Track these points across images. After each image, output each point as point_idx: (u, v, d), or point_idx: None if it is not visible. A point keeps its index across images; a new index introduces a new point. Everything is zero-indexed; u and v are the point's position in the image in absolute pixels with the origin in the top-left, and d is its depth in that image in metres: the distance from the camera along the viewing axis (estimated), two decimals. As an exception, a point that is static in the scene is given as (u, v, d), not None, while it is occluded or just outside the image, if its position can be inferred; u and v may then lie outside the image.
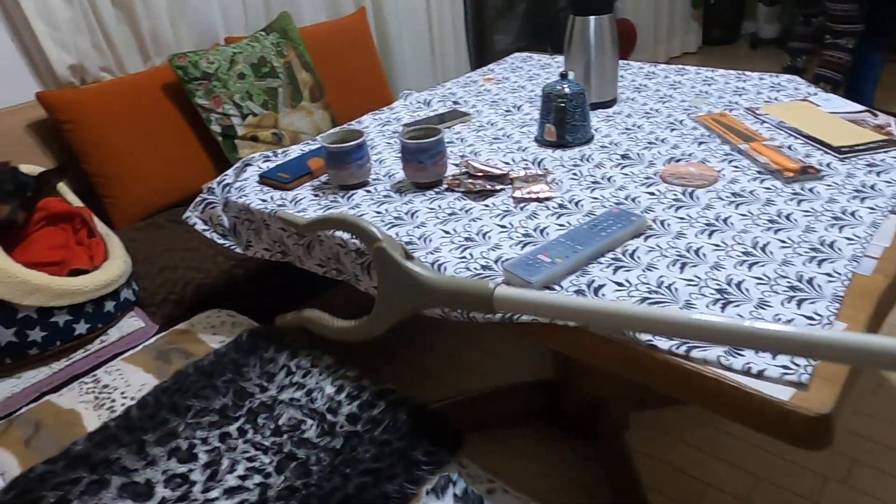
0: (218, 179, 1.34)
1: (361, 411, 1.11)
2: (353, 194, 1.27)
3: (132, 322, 1.49)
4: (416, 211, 1.17)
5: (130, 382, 1.27)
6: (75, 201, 1.65)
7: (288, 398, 1.16)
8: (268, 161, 1.46)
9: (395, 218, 1.16)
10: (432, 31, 3.00)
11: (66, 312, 1.36)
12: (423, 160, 1.21)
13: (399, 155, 1.42)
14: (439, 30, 3.01)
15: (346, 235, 1.12)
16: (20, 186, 1.46)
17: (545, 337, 0.89)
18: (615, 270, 0.94)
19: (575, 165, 1.28)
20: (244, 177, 1.39)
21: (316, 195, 1.28)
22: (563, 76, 1.34)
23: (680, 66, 1.81)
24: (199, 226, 1.33)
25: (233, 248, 1.32)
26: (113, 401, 1.23)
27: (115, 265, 1.46)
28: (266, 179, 1.34)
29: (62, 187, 1.64)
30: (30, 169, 1.56)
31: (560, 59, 2.03)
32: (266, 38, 2.16)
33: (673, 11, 4.45)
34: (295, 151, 1.50)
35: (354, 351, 2.00)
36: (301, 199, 1.27)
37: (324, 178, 1.36)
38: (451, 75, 3.12)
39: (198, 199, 1.32)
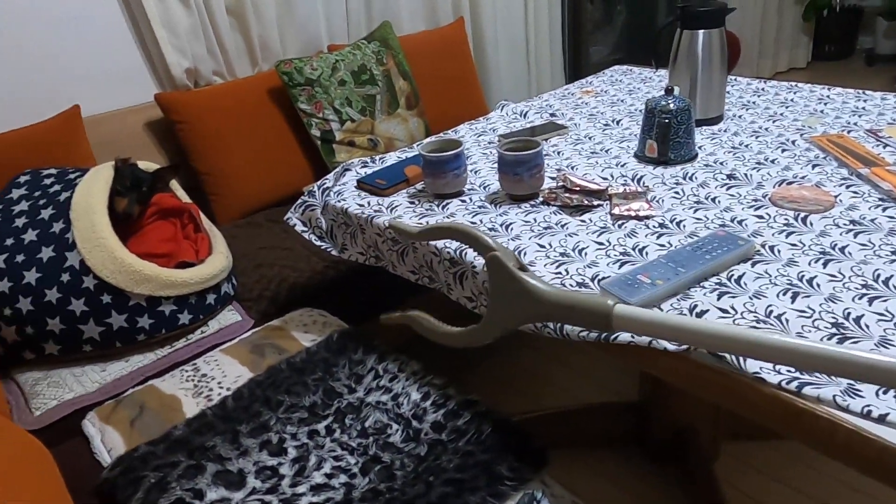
0: (318, 183, 1.38)
1: (446, 420, 1.11)
2: (448, 203, 1.28)
3: (230, 315, 1.56)
4: (510, 223, 1.17)
5: (227, 373, 1.33)
6: (184, 197, 1.75)
7: (375, 401, 1.17)
8: (366, 167, 1.49)
9: (490, 229, 1.16)
10: (529, 42, 2.99)
11: (172, 303, 1.43)
12: (520, 172, 1.21)
13: (495, 166, 1.42)
14: (536, 40, 3.00)
15: (440, 244, 1.12)
16: (137, 182, 1.56)
17: (643, 359, 0.86)
18: (719, 296, 0.90)
19: (677, 184, 1.24)
20: (343, 181, 1.43)
21: (412, 202, 1.30)
22: (669, 91, 1.30)
23: (792, 83, 1.72)
24: (299, 227, 1.38)
25: (329, 250, 1.36)
26: (210, 389, 1.29)
27: (218, 260, 1.54)
28: (363, 185, 1.37)
29: (174, 184, 1.74)
30: (146, 165, 1.66)
31: (662, 72, 1.98)
32: (367, 46, 2.21)
33: (781, 24, 4.25)
34: (392, 158, 1.53)
35: (439, 358, 2.02)
36: (397, 206, 1.29)
37: (420, 185, 1.37)
38: (546, 87, 3.10)
39: (299, 201, 1.37)
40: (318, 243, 1.36)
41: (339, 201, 1.33)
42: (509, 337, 2.14)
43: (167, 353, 1.45)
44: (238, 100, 2.05)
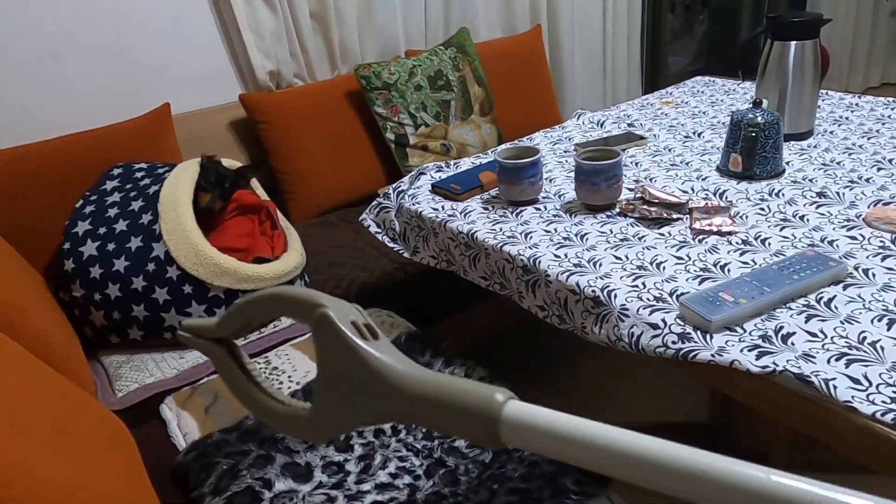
0: (394, 186, 1.40)
1: (512, 428, 1.10)
2: (522, 210, 1.27)
3: (301, 311, 1.60)
4: (586, 233, 1.15)
5: (297, 367, 1.36)
6: (263, 195, 1.80)
7: (440, 404, 1.18)
8: (440, 171, 1.51)
9: (564, 238, 1.14)
10: (606, 51, 2.95)
11: (248, 296, 1.48)
12: (598, 182, 1.19)
13: (570, 174, 1.40)
14: (613, 49, 2.95)
15: (513, 251, 1.12)
16: (220, 178, 1.62)
17: (723, 380, 0.83)
18: (807, 319, 0.86)
19: (762, 200, 1.19)
20: (418, 184, 1.45)
21: (485, 208, 1.30)
22: (757, 104, 1.26)
23: (889, 99, 1.63)
24: (373, 228, 1.40)
25: (401, 252, 1.38)
26: (280, 383, 1.32)
27: (293, 257, 1.58)
28: (438, 189, 1.38)
29: (254, 182, 1.80)
30: (229, 163, 1.72)
31: (747, 84, 1.91)
32: (444, 52, 2.23)
33: (875, 36, 4.04)
34: (466, 164, 1.54)
35: (505, 364, 2.01)
36: (470, 211, 1.29)
37: (494, 191, 1.37)
38: (622, 97, 3.05)
39: (374, 202, 1.40)
40: (391, 245, 1.38)
41: (413, 204, 1.35)
42: (571, 344, 2.11)
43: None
44: (317, 102, 2.11)
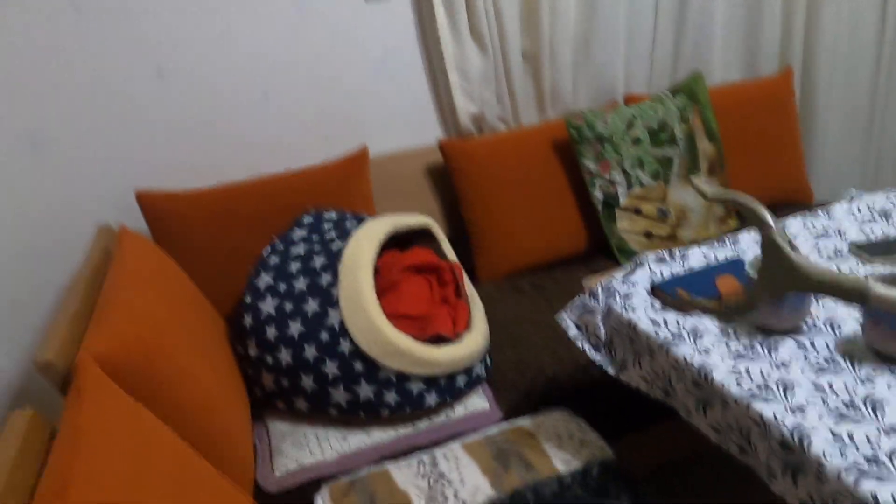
0: (604, 282, 1.15)
1: None
2: (777, 343, 0.95)
3: (478, 401, 1.40)
4: (881, 401, 0.81)
5: (465, 480, 1.16)
6: (450, 254, 1.63)
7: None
8: (662, 263, 1.22)
9: (846, 405, 0.81)
10: (876, 105, 2.40)
11: (421, 381, 1.31)
12: (905, 328, 0.84)
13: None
14: (886, 104, 2.40)
15: (767, 411, 0.82)
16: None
17: None
18: None
19: None
20: (632, 279, 1.18)
21: (724, 332, 1.00)
22: None
23: None
24: (572, 331, 1.16)
25: (603, 366, 1.12)
26: (445, 498, 1.13)
27: (475, 340, 1.38)
28: (660, 293, 1.10)
29: (439, 235, 1.64)
30: (419, 219, 1.58)
31: None
32: (671, 100, 1.92)
33: None
34: (697, 256, 1.23)
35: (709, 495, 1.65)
36: (702, 334, 1.00)
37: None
38: None
39: (576, 300, 1.15)
40: (593, 356, 1.12)
41: (626, 310, 1.08)
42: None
43: (408, 433, 1.34)
44: (519, 150, 1.91)
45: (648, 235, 1.86)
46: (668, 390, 1.01)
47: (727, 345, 0.97)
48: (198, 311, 1.39)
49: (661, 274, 1.18)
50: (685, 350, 0.96)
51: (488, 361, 1.47)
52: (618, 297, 1.12)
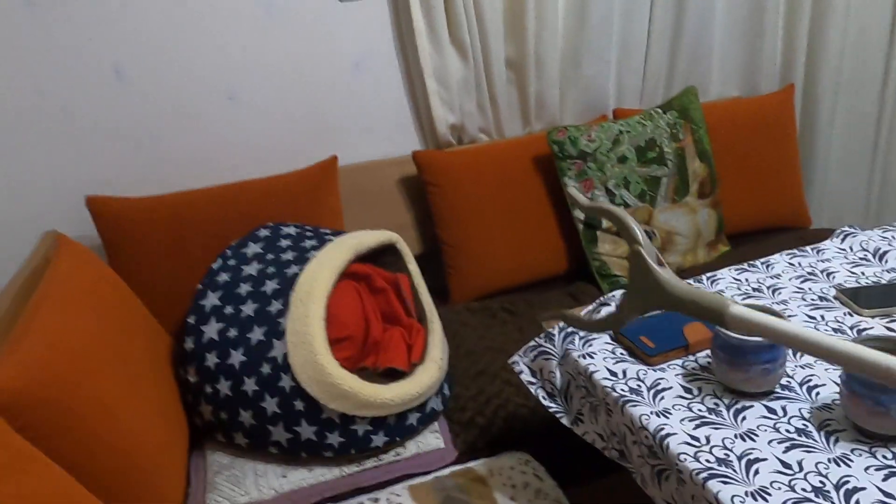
0: (561, 326, 1.04)
1: None
2: (745, 408, 0.85)
3: (431, 438, 1.30)
4: (859, 490, 0.70)
5: (406, 531, 1.06)
6: (414, 268, 1.52)
7: None
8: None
9: (817, 489, 0.71)
10: (881, 131, 2.28)
11: (367, 423, 1.21)
12: (889, 404, 0.73)
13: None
14: (892, 129, 2.27)
15: (725, 494, 0.71)
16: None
17: None
18: None
19: None
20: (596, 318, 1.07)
21: (687, 390, 0.89)
22: None
23: None
24: (525, 376, 1.05)
25: (558, 415, 1.01)
26: (382, 550, 1.03)
27: (429, 374, 1.28)
28: (623, 339, 1.00)
29: (403, 248, 1.53)
30: (383, 235, 1.47)
31: None
32: (661, 116, 1.81)
33: None
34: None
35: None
36: (663, 389, 0.90)
37: (702, 357, 0.96)
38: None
39: (531, 343, 1.05)
40: (546, 404, 1.02)
41: (584, 356, 0.98)
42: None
43: (353, 472, 1.24)
44: (499, 164, 1.81)
45: (631, 260, 1.75)
46: (625, 451, 0.91)
47: (690, 405, 0.86)
48: (136, 330, 1.30)
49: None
50: (643, 410, 0.86)
51: (446, 392, 1.37)
52: (577, 341, 1.02)
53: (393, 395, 1.20)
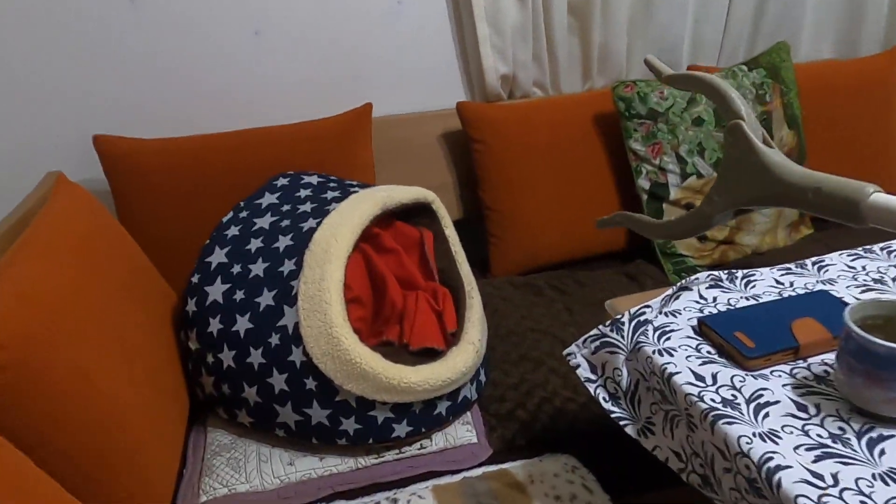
0: (634, 310, 0.84)
1: None
2: (882, 437, 0.64)
3: (462, 432, 1.12)
4: None
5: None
6: (451, 232, 1.32)
7: None
8: (717, 288, 0.90)
9: None
10: None
11: (388, 409, 1.04)
12: None
13: None
14: None
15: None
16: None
17: None
18: None
19: None
20: (674, 306, 0.87)
21: (800, 406, 0.69)
22: None
23: None
24: (583, 371, 0.86)
25: (621, 423, 0.82)
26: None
27: (464, 357, 1.10)
28: (711, 332, 0.79)
29: (439, 208, 1.33)
30: (415, 192, 1.28)
31: None
32: (747, 74, 1.57)
33: None
34: (766, 282, 0.91)
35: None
36: (768, 403, 0.69)
37: (816, 363, 0.75)
38: None
39: (594, 332, 0.85)
40: (608, 408, 0.83)
41: (661, 353, 0.78)
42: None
43: (370, 464, 1.07)
44: (554, 122, 1.60)
45: (702, 238, 1.53)
46: (710, 479, 0.71)
47: (805, 430, 0.66)
48: (136, 288, 1.14)
49: (716, 303, 0.87)
50: (741, 429, 0.66)
51: (482, 378, 1.19)
52: (650, 333, 0.82)
53: (420, 378, 1.02)
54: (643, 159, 1.52)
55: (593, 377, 0.84)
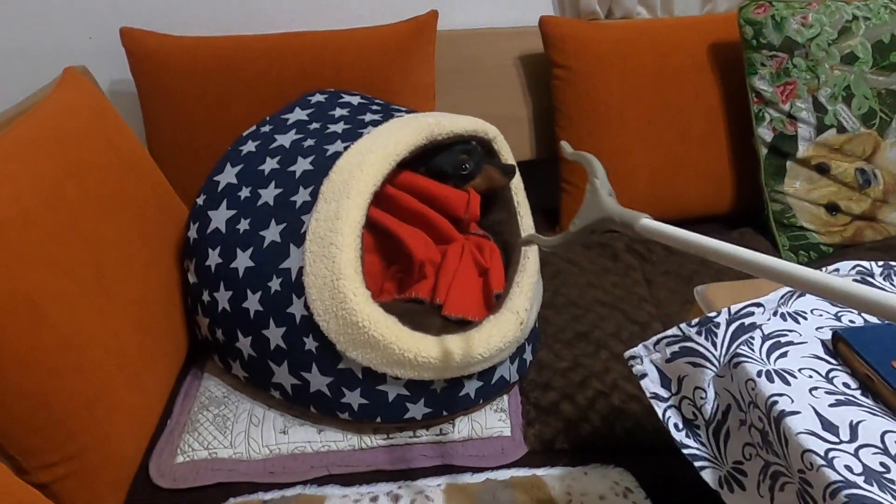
0: (738, 307, 0.58)
1: None
2: None
3: (494, 421, 0.91)
4: None
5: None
6: (516, 184, 1.08)
7: None
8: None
9: None
10: None
11: (402, 384, 0.84)
12: None
13: None
14: None
15: None
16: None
17: None
18: None
19: None
20: (797, 307, 0.61)
21: None
22: None
23: None
24: (650, 383, 0.61)
25: (696, 464, 0.58)
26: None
27: (503, 330, 0.87)
28: (852, 354, 0.53)
29: (501, 143, 1.09)
30: (473, 123, 1.03)
31: None
32: (924, 1, 1.20)
33: None
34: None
35: None
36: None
37: None
38: None
39: (671, 332, 0.60)
40: (680, 440, 0.59)
41: (770, 375, 0.53)
42: None
43: (375, 445, 0.88)
44: (660, 49, 1.30)
45: (832, 209, 1.22)
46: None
47: None
48: (133, 202, 0.98)
49: (862, 315, 0.60)
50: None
51: (527, 356, 0.97)
52: (757, 344, 0.56)
53: (442, 352, 0.80)
54: (768, 102, 1.21)
55: (664, 394, 0.60)
